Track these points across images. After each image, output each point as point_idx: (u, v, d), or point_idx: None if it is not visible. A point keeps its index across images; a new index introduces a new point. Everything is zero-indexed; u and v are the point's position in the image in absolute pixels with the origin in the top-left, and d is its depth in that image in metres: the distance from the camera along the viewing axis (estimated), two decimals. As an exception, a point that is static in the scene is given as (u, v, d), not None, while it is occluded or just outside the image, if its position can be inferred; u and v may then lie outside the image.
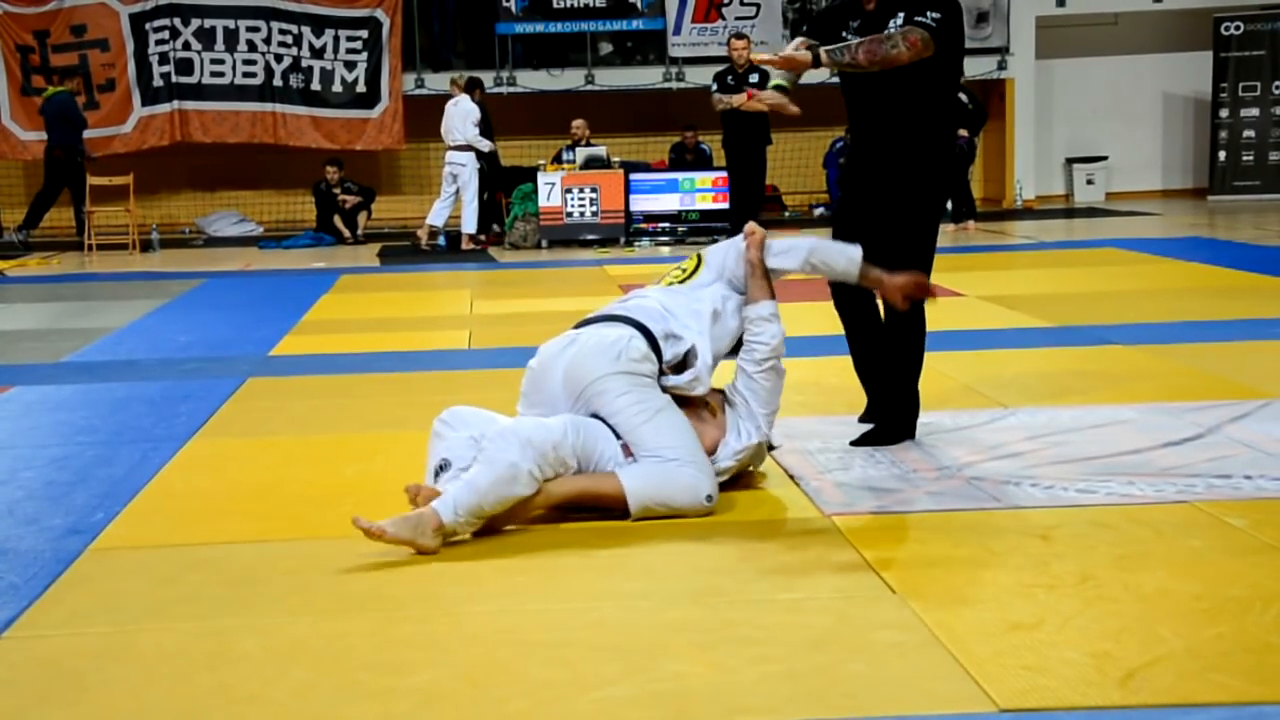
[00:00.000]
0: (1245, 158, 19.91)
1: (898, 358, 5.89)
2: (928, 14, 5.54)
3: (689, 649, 3.60)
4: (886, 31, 5.54)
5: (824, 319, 9.39)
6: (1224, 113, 19.87)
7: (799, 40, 5.96)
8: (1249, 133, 19.87)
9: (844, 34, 5.84)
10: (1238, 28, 19.78)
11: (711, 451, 5.01)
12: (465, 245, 16.29)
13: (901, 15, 5.61)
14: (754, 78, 13.79)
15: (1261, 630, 3.65)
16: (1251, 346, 7.84)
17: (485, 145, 16.36)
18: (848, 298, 6.04)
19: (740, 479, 5.22)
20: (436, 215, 16.51)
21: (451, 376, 7.56)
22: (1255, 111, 19.83)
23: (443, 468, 4.80)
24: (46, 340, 9.59)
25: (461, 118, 16.32)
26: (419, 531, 4.41)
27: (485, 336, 9.26)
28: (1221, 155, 19.96)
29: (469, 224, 16.36)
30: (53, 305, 11.95)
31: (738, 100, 13.72)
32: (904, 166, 5.83)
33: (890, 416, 5.90)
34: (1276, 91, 19.74)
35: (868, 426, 5.90)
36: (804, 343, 8.42)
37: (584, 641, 3.69)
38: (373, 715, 3.26)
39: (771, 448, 5.36)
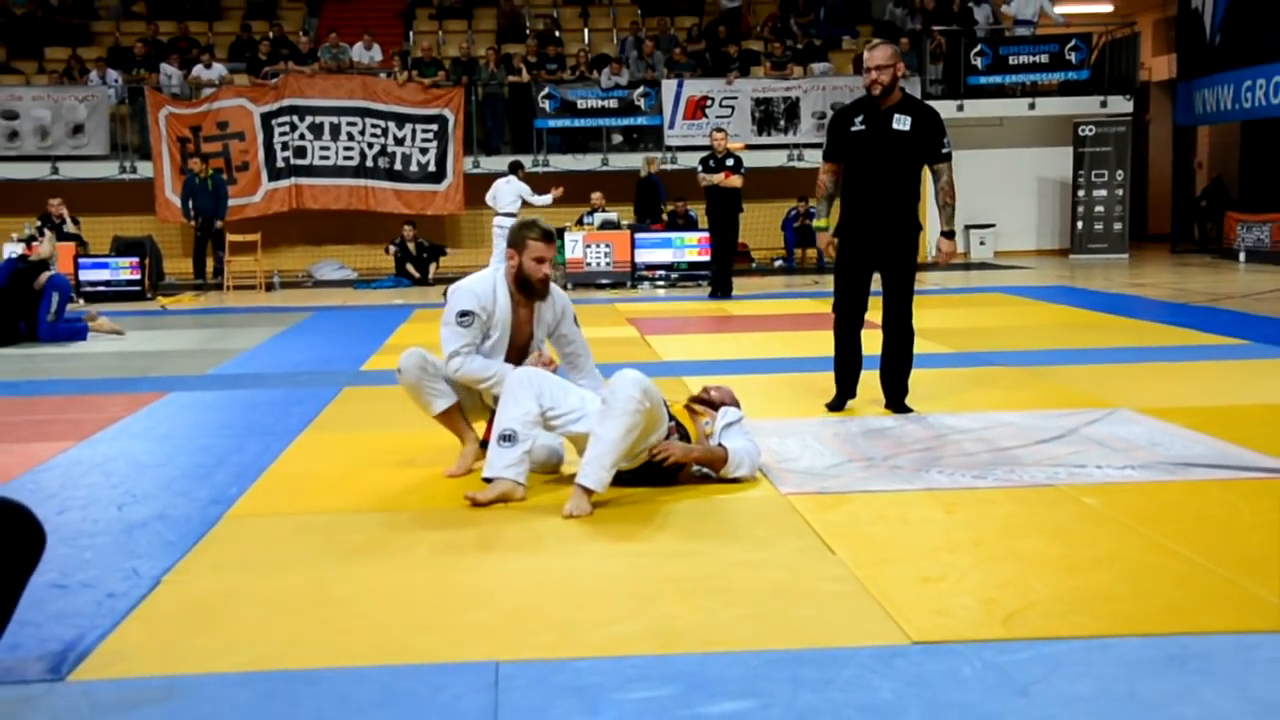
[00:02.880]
0: (1097, 226, 19.92)
1: (903, 356, 6.50)
2: (943, 147, 6.43)
3: (678, 596, 3.59)
4: (943, 177, 6.46)
5: (782, 346, 9.42)
6: (1081, 192, 19.89)
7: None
8: (1099, 207, 19.89)
9: (851, 129, 6.42)
10: (1091, 130, 19.80)
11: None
12: None
13: (909, 119, 6.30)
14: (730, 161, 13.77)
15: (1109, 582, 3.66)
16: (1102, 368, 7.82)
17: (543, 200, 16.33)
18: (848, 318, 6.55)
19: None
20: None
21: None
22: (1104, 192, 19.84)
23: (508, 437, 4.70)
24: (195, 358, 9.59)
25: (512, 192, 16.37)
26: (506, 494, 4.62)
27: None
28: (1079, 224, 19.97)
29: None
30: (200, 331, 11.95)
31: (717, 179, 13.72)
32: (905, 227, 6.41)
33: (902, 392, 6.51)
34: (1119, 177, 19.78)
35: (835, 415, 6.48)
36: (766, 364, 8.43)
37: (597, 590, 3.68)
38: (436, 644, 3.25)
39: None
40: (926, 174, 6.59)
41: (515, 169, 16.88)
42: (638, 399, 4.52)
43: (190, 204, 17.37)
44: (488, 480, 4.70)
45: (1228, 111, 18.56)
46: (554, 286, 5.31)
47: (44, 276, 10.76)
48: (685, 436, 4.93)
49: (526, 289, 5.15)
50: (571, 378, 5.28)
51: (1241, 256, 18.16)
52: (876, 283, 6.55)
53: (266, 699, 2.93)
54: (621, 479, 4.75)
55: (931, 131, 6.37)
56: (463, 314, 5.05)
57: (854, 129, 6.40)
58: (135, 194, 18.85)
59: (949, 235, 6.56)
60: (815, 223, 6.81)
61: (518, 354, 5.23)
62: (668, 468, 4.83)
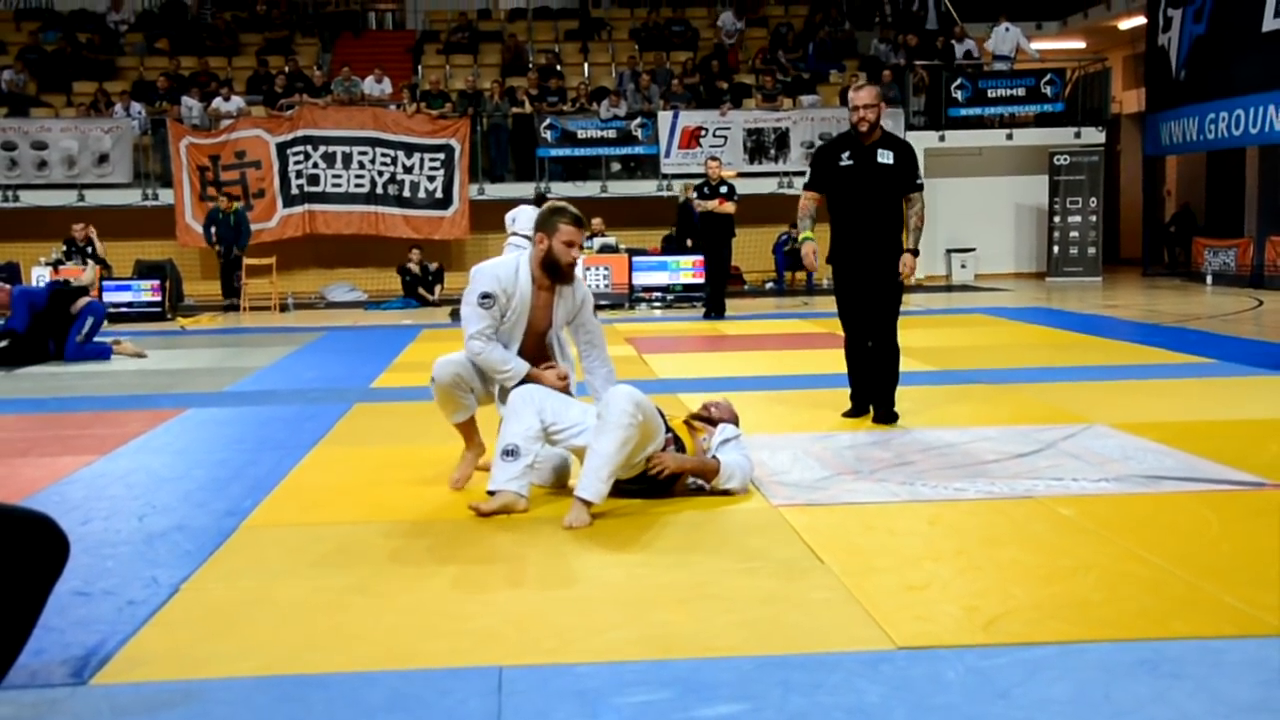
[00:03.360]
0: (1072, 250, 19.95)
1: (889, 371, 6.64)
2: (918, 179, 6.58)
3: (673, 603, 3.58)
4: (915, 205, 6.54)
5: (773, 364, 9.42)
6: (1056, 218, 19.91)
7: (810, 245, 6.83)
8: (1074, 233, 19.92)
9: (839, 164, 6.61)
10: (1065, 159, 19.85)
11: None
12: None
13: (891, 154, 6.51)
14: (723, 188, 13.78)
15: (1085, 589, 3.65)
16: (1078, 385, 7.82)
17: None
18: (855, 336, 6.71)
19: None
20: None
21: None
22: (1078, 218, 19.88)
23: (510, 452, 4.68)
24: (213, 375, 9.59)
25: (529, 216, 16.35)
26: (508, 505, 4.61)
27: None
28: (1055, 248, 19.99)
29: None
30: (217, 350, 11.94)
31: (711, 204, 13.73)
32: (890, 253, 6.51)
33: (888, 403, 6.63)
34: (1092, 204, 19.82)
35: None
36: (758, 381, 8.42)
37: (596, 597, 3.67)
38: (442, 649, 3.24)
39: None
40: None
41: (539, 200, 16.79)
42: (630, 413, 4.52)
43: (213, 231, 17.42)
44: (491, 493, 4.70)
45: (1193, 142, 18.62)
46: (577, 275, 5.23)
47: (82, 301, 10.79)
48: (682, 450, 4.92)
49: (554, 272, 5.03)
50: (587, 364, 5.27)
51: (1209, 279, 18.19)
52: None
53: (280, 702, 2.92)
54: (620, 489, 4.74)
55: (909, 164, 6.58)
56: (484, 296, 4.97)
57: (842, 164, 6.58)
58: (157, 220, 18.88)
59: (914, 253, 6.64)
60: (802, 235, 6.88)
61: (536, 340, 5.13)
62: (663, 479, 4.83)
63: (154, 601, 3.67)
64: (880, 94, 6.62)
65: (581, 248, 5.08)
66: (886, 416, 6.58)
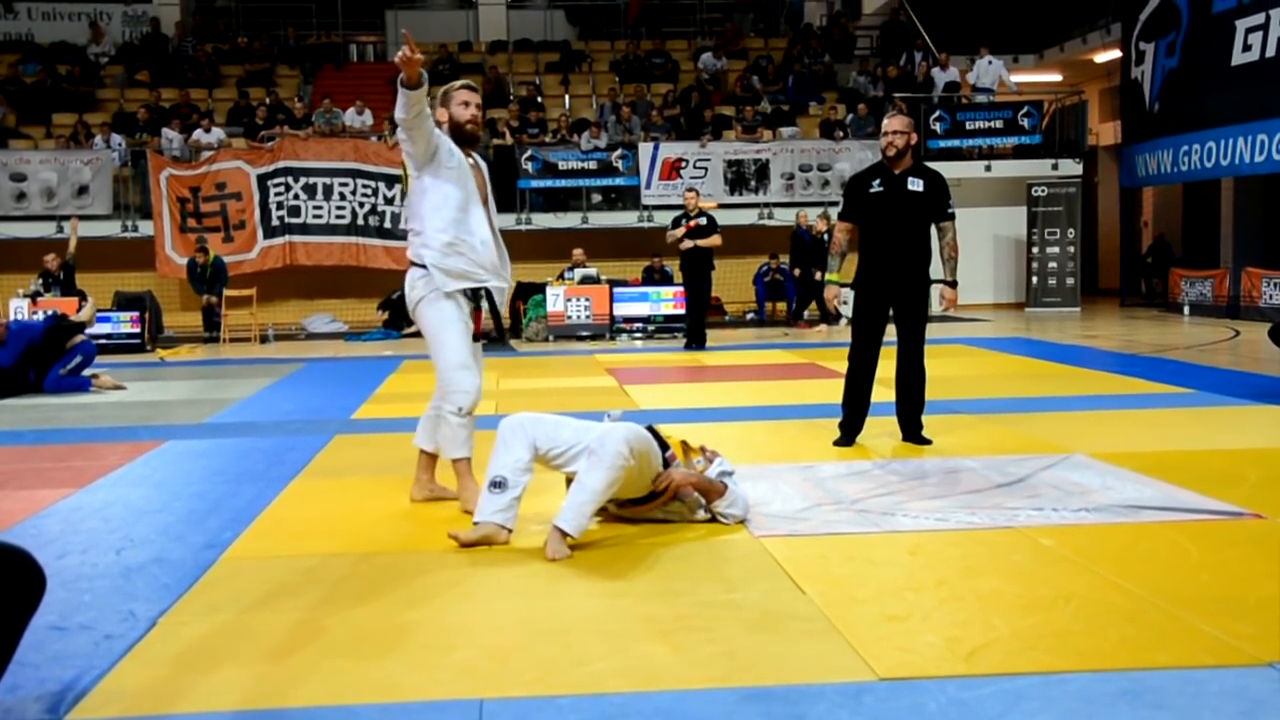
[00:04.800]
0: (1050, 281, 20.07)
1: (918, 394, 6.83)
2: (949, 207, 6.77)
3: (655, 634, 3.57)
4: (948, 234, 6.79)
5: (754, 395, 9.43)
6: (1035, 249, 20.05)
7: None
8: (1052, 264, 20.05)
9: (869, 191, 6.79)
10: (1043, 191, 20.01)
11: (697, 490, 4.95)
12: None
13: (922, 182, 6.69)
14: (702, 219, 13.80)
15: (1065, 619, 3.65)
16: (1057, 415, 7.86)
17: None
18: (864, 363, 6.85)
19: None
20: None
21: (480, 435, 7.50)
22: (1056, 249, 20.01)
23: (498, 484, 4.67)
24: (192, 407, 9.54)
25: None
26: (489, 537, 4.61)
27: (507, 405, 9.21)
28: (1034, 279, 20.11)
29: None
30: (197, 382, 11.87)
31: (679, 233, 13.71)
32: (919, 279, 6.74)
33: (918, 426, 6.82)
34: (1070, 235, 19.96)
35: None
36: (739, 411, 8.43)
37: (578, 629, 3.66)
38: (423, 682, 3.22)
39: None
40: None
41: None
42: (625, 455, 4.53)
43: (193, 283, 17.49)
44: (476, 523, 4.68)
45: (1168, 174, 18.79)
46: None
47: (78, 339, 10.79)
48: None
49: (460, 136, 5.24)
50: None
51: (1186, 310, 18.32)
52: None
53: (259, 737, 2.90)
54: (612, 515, 4.78)
55: (940, 193, 6.76)
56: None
57: (873, 190, 6.76)
58: (137, 251, 18.81)
59: (953, 285, 6.87)
60: (828, 276, 7.03)
61: (486, 209, 5.30)
62: (668, 496, 4.82)
63: (131, 636, 3.64)
64: (911, 123, 6.80)
65: (480, 107, 5.36)
66: (919, 438, 6.78)
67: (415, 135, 4.99)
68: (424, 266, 5.23)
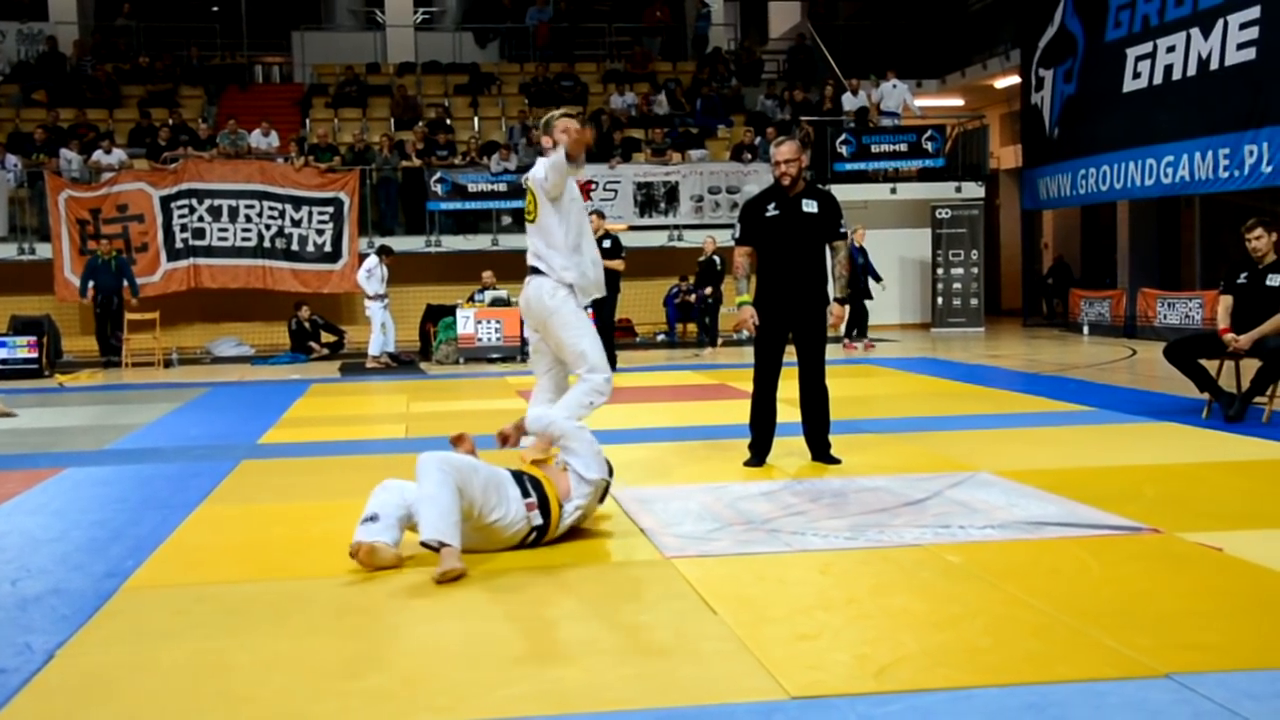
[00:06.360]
0: (955, 302, 20.44)
1: (822, 413, 6.89)
2: (840, 227, 6.84)
3: (567, 658, 3.56)
4: (840, 253, 6.80)
5: (665, 416, 9.45)
6: (940, 270, 20.41)
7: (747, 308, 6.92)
8: (957, 284, 20.42)
9: (765, 215, 6.83)
10: (947, 213, 20.40)
11: (566, 495, 5.00)
12: (368, 364, 15.67)
13: (816, 203, 6.76)
14: (606, 242, 13.78)
15: (972, 635, 3.70)
16: (963, 434, 7.99)
17: (372, 289, 15.90)
18: (767, 384, 6.90)
19: (597, 526, 5.20)
20: (374, 345, 16.06)
21: (392, 459, 7.43)
22: (960, 270, 20.39)
23: (372, 518, 4.68)
24: (92, 433, 9.31)
25: (365, 273, 16.06)
26: (384, 559, 4.61)
27: (418, 428, 9.14)
28: (939, 300, 20.47)
29: (372, 348, 15.79)
30: (98, 407, 11.60)
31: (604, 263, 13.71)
32: (817, 299, 6.78)
33: (825, 445, 6.89)
34: (973, 256, 20.36)
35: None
36: (650, 433, 8.44)
37: (491, 654, 3.63)
38: (333, 710, 3.17)
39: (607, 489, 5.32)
40: None
41: (383, 251, 16.43)
42: (435, 462, 4.61)
43: (90, 283, 16.91)
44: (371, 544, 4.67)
45: (1066, 197, 19.27)
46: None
47: None
48: (543, 493, 4.94)
49: (574, 158, 5.85)
50: None
51: (1085, 330, 18.77)
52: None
53: (162, 771, 2.83)
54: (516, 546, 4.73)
55: (833, 213, 6.82)
56: None
57: (768, 214, 6.79)
58: (34, 274, 18.35)
59: (841, 302, 6.88)
60: (737, 299, 7.00)
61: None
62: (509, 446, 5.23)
63: (27, 670, 3.54)
64: (800, 148, 6.84)
65: (584, 126, 6.05)
66: (828, 457, 6.84)
67: (556, 189, 5.88)
68: (546, 275, 6.07)
